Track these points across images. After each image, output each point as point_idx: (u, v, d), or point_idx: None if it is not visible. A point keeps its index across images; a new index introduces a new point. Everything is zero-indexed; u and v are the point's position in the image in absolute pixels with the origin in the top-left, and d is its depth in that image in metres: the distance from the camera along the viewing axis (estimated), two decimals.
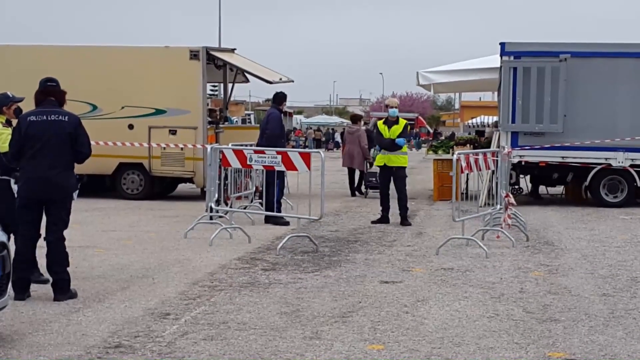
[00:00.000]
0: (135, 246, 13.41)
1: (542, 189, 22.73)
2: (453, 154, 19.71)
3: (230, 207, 15.87)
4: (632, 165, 20.45)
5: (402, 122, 16.59)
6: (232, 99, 25.17)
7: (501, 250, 13.24)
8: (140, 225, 16.19)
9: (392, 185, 16.47)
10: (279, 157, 13.17)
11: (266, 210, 16.05)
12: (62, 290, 9.43)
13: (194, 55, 20.91)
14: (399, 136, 16.26)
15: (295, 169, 13.12)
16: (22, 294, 9.34)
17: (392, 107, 16.50)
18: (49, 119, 9.38)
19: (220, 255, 12.59)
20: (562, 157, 20.60)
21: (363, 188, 23.27)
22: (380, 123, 16.60)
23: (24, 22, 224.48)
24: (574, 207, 20.13)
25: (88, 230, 15.00)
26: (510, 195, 14.29)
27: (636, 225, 16.95)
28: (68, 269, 9.55)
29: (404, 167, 16.29)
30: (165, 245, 13.57)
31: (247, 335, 7.86)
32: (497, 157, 14.74)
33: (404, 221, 16.28)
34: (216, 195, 15.23)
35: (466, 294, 9.89)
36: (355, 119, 25.18)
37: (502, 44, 20.60)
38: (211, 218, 15.43)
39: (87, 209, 18.05)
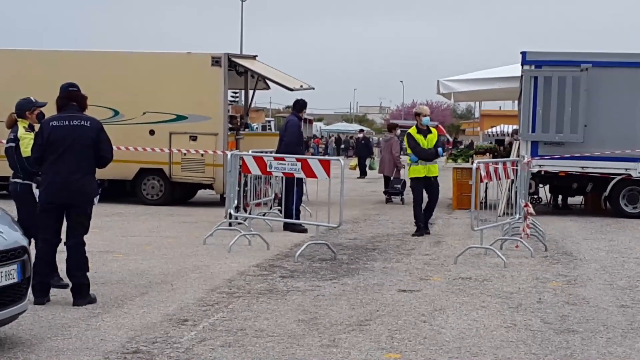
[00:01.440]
0: (154, 252, 13.44)
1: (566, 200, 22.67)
2: (472, 162, 19.66)
3: (250, 213, 15.84)
4: None
5: (435, 130, 16.49)
6: (252, 105, 25.16)
7: (519, 260, 13.18)
8: (159, 231, 16.22)
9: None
10: (299, 164, 13.16)
11: (285, 217, 16.04)
12: (82, 294, 9.46)
13: (216, 61, 20.95)
14: (435, 145, 16.13)
15: (315, 177, 13.11)
16: (41, 298, 9.38)
17: (425, 116, 16.27)
18: (72, 124, 9.42)
19: (239, 261, 12.58)
20: (582, 167, 20.49)
21: (388, 195, 23.64)
22: (414, 132, 16.29)
23: (49, 27, 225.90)
24: (593, 218, 20.02)
25: (108, 235, 15.03)
26: (530, 205, 14.20)
27: None
28: (87, 273, 9.57)
29: (437, 176, 16.22)
30: (184, 251, 13.58)
31: (264, 343, 7.85)
32: (516, 166, 14.66)
33: (426, 227, 16.18)
34: (235, 202, 15.18)
35: (484, 303, 9.84)
36: (390, 127, 25.91)
37: (524, 53, 20.53)
38: (230, 224, 15.43)
39: (107, 214, 18.11)
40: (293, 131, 17.24)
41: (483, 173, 13.02)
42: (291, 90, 22.08)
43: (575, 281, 11.50)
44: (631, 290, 10.89)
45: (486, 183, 15.20)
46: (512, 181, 15.91)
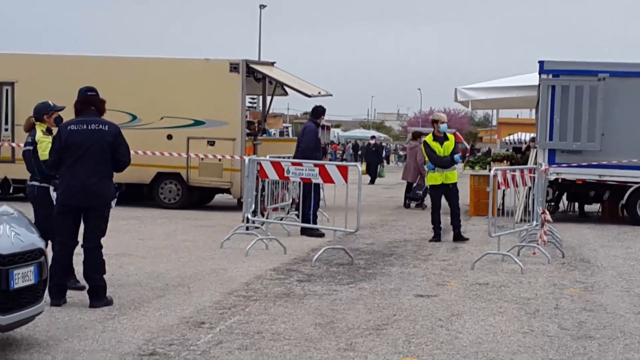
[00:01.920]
0: (171, 255, 13.44)
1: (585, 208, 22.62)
2: (489, 170, 19.59)
3: (267, 218, 15.83)
4: None
5: (452, 137, 16.43)
6: (270, 111, 25.18)
7: (537, 267, 13.12)
8: (176, 234, 16.24)
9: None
10: (317, 169, 13.16)
11: (302, 222, 16.02)
12: (98, 296, 9.45)
13: (234, 67, 21.00)
14: (452, 152, 16.07)
15: (332, 182, 13.09)
16: (58, 299, 9.38)
17: (442, 123, 16.24)
18: (89, 128, 9.43)
19: (256, 265, 12.57)
20: (599, 176, 20.42)
21: (407, 200, 23.79)
22: (430, 140, 16.25)
23: (49, 27, 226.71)
24: (610, 225, 19.93)
25: (124, 239, 15.04)
26: (547, 212, 14.13)
27: None
28: (104, 276, 9.55)
29: (456, 183, 16.14)
30: (201, 254, 13.58)
31: (281, 346, 7.81)
32: (534, 173, 14.59)
33: (461, 237, 16.07)
34: (253, 206, 15.17)
35: (501, 309, 9.79)
36: (415, 135, 26.20)
37: (541, 62, 20.48)
38: (247, 229, 15.41)
39: (124, 217, 18.14)
40: (310, 137, 17.23)
41: (500, 180, 12.97)
42: (309, 96, 22.09)
43: (592, 288, 11.43)
44: None
45: (503, 190, 15.08)
46: (530, 188, 15.82)
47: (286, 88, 23.24)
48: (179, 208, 21.23)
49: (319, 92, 22.69)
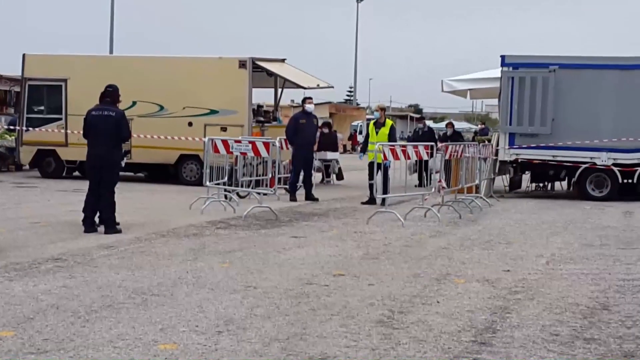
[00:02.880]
0: (149, 213, 17.38)
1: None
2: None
3: (241, 186, 19.65)
4: (615, 164, 23.24)
5: (389, 123, 20.20)
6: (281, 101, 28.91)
7: (422, 223, 16.72)
8: (166, 201, 20.31)
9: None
10: (250, 145, 17.10)
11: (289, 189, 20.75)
12: (109, 226, 13.93)
13: (242, 64, 24.97)
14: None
15: (260, 154, 17.05)
16: (89, 228, 13.96)
17: (375, 111, 20.10)
18: (104, 114, 14.07)
19: (198, 219, 16.45)
20: (553, 156, 23.63)
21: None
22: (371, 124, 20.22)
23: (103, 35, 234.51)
24: (561, 200, 23.19)
25: (126, 203, 18.71)
26: (443, 181, 17.70)
27: (586, 212, 19.99)
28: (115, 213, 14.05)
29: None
30: (168, 212, 17.57)
31: (154, 260, 11.72)
32: (430, 150, 18.09)
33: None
34: (225, 177, 19.13)
35: (339, 244, 13.43)
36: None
37: (503, 57, 23.82)
38: (225, 197, 19.31)
39: (143, 190, 22.61)
40: (289, 124, 21.26)
41: (387, 154, 16.62)
42: (305, 88, 25.92)
43: (438, 236, 15.02)
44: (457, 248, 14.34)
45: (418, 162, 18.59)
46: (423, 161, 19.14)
47: (295, 81, 26.81)
48: (198, 184, 24.74)
49: (318, 85, 26.46)
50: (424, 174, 26.15)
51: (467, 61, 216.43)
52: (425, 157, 18.28)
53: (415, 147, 17.65)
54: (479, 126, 42.73)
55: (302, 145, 21.05)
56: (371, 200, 19.66)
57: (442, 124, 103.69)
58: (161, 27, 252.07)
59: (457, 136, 28.73)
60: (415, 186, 25.82)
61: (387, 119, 20.34)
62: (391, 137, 19.87)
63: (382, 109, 20.55)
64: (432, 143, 19.25)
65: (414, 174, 26.99)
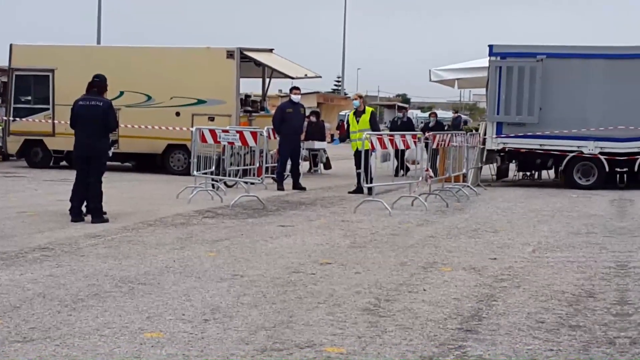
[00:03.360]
0: (136, 202, 17.40)
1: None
2: None
3: (229, 175, 19.67)
4: (601, 153, 23.32)
5: (369, 110, 20.20)
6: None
7: (409, 212, 16.76)
8: (155, 190, 20.32)
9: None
10: (237, 134, 17.10)
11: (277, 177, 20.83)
12: (97, 215, 13.93)
13: (230, 54, 24.96)
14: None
15: (247, 144, 17.08)
16: (76, 217, 13.91)
17: (354, 99, 20.11)
18: (90, 104, 14.08)
19: (185, 208, 16.45)
20: (540, 145, 23.71)
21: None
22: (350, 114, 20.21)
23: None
24: (549, 189, 23.31)
25: (114, 193, 18.72)
26: (430, 170, 17.74)
27: (572, 201, 20.03)
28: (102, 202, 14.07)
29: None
30: (155, 201, 17.58)
31: (143, 250, 11.73)
32: (418, 140, 18.12)
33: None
34: (212, 167, 19.15)
35: (327, 232, 13.48)
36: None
37: (491, 46, 23.86)
38: (213, 186, 19.31)
39: (130, 179, 22.51)
40: (275, 113, 21.37)
41: (375, 143, 16.65)
42: (292, 78, 25.97)
43: (424, 225, 15.08)
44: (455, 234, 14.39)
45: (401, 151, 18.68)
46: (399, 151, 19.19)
47: (283, 71, 26.80)
48: (186, 174, 24.59)
49: (305, 75, 26.48)
50: (398, 164, 26.21)
51: (459, 53, 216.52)
52: (412, 147, 18.28)
53: (403, 136, 17.61)
54: (453, 114, 42.17)
55: (288, 134, 21.09)
56: (358, 190, 19.66)
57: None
58: (150, 18, 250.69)
59: (439, 126, 28.72)
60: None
61: (366, 107, 20.33)
62: (372, 124, 19.95)
63: (360, 97, 20.62)
64: (414, 132, 19.20)
65: (385, 162, 26.99)
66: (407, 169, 26.59)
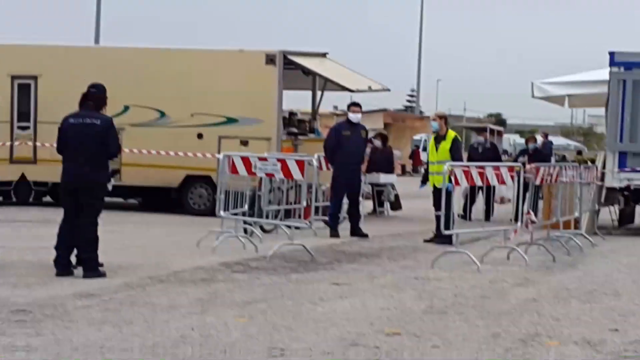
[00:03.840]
0: (143, 251, 17.49)
1: None
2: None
3: (266, 217, 19.64)
4: None
5: (451, 136, 20.08)
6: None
7: (504, 267, 16.60)
8: (168, 235, 20.35)
9: None
10: (279, 164, 17.09)
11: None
12: (90, 267, 13.79)
13: (270, 59, 25.01)
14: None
15: (292, 177, 17.08)
16: (63, 271, 13.81)
17: (433, 120, 20.04)
18: (84, 122, 13.88)
19: (209, 259, 16.38)
20: None
21: None
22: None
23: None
24: None
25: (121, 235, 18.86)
26: (532, 213, 17.56)
27: None
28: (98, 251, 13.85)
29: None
30: (168, 250, 17.60)
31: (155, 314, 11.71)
32: (515, 173, 17.91)
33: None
34: (245, 206, 19.15)
35: (396, 296, 13.43)
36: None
37: (612, 54, 23.63)
38: (245, 231, 19.28)
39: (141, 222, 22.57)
40: (329, 135, 21.42)
41: (460, 177, 16.53)
42: (352, 91, 26.01)
43: (524, 285, 14.94)
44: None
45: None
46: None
47: (340, 82, 26.75)
48: (209, 215, 23.68)
49: (369, 87, 26.42)
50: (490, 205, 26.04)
51: (572, 62, 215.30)
52: (509, 182, 18.10)
53: (497, 168, 17.45)
54: (540, 139, 40.49)
55: (345, 164, 20.96)
56: (439, 238, 19.48)
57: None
58: (163, 10, 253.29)
59: (541, 155, 28.30)
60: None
61: (449, 130, 20.20)
62: (454, 153, 19.77)
63: (441, 117, 20.43)
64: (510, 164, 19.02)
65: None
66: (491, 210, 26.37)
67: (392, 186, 28.12)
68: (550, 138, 52.35)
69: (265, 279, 14.56)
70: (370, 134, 24.81)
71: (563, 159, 35.24)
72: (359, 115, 21.67)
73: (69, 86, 21.52)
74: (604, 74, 24.73)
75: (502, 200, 19.63)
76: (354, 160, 21.42)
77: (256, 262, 16.22)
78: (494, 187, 22.12)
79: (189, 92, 25.48)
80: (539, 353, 9.74)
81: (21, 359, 8.92)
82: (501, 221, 21.57)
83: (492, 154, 27.67)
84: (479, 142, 29.24)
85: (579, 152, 56.34)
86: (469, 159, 27.10)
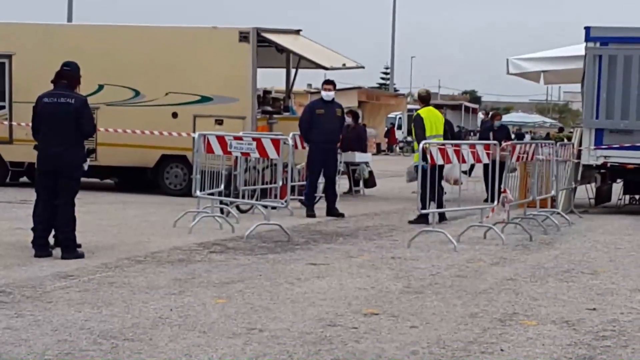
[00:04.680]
0: (120, 231, 17.60)
1: None
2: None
3: (242, 197, 19.71)
4: None
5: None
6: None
7: (480, 246, 16.74)
8: (145, 215, 20.41)
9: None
10: (254, 143, 17.15)
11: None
12: (68, 249, 13.88)
13: (244, 37, 25.02)
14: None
15: (267, 156, 17.13)
16: (41, 252, 13.89)
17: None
18: (59, 101, 13.90)
19: (185, 240, 16.49)
20: None
21: None
22: None
23: None
24: None
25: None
26: (508, 191, 17.69)
27: None
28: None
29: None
30: (146, 230, 17.65)
31: (130, 294, 11.77)
32: (490, 150, 18.10)
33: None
34: (221, 185, 19.21)
35: (371, 275, 13.52)
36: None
37: (587, 29, 23.71)
38: (222, 211, 19.36)
39: (113, 202, 22.75)
40: (303, 113, 21.49)
41: (435, 154, 16.64)
42: (326, 69, 26.00)
43: (501, 264, 15.05)
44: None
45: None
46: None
47: (314, 60, 26.76)
48: (186, 195, 23.88)
49: (343, 64, 26.48)
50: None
51: (548, 38, 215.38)
52: (485, 161, 18.23)
53: (472, 146, 17.57)
54: (483, 116, 40.09)
55: (319, 143, 21.04)
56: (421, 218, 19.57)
57: (508, 117, 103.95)
58: None
59: (505, 132, 28.13)
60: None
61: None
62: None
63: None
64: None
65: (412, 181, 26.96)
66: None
67: (367, 163, 28.13)
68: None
69: (243, 259, 14.61)
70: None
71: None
72: (332, 93, 21.71)
73: (44, 65, 21.57)
74: (579, 49, 24.80)
75: (456, 182, 19.61)
76: (329, 139, 21.44)
77: (233, 243, 16.28)
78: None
79: (163, 70, 25.44)
80: (517, 332, 9.85)
81: (2, 339, 8.93)
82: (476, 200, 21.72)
83: (506, 134, 27.68)
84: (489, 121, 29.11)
85: (561, 130, 56.43)
86: (481, 138, 27.13)
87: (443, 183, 20.59)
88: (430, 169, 17.07)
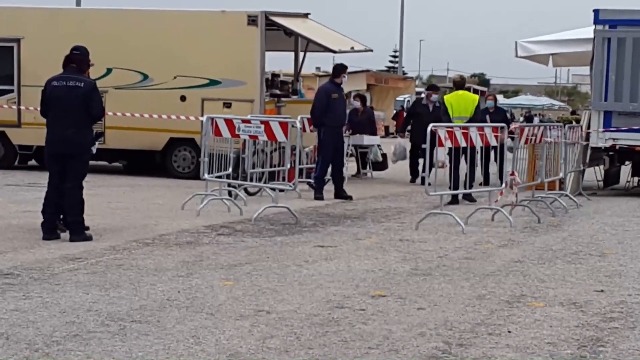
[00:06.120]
0: (129, 214, 17.58)
1: None
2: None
3: (250, 180, 19.71)
4: None
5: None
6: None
7: (488, 229, 16.73)
8: (153, 198, 20.42)
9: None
10: (262, 126, 17.13)
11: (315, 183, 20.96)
12: (76, 231, 13.93)
13: (252, 20, 24.99)
14: None
15: (275, 139, 17.10)
16: (49, 234, 13.93)
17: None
18: (68, 84, 13.93)
19: (193, 222, 16.51)
20: None
21: None
22: None
23: None
24: None
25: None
26: (516, 174, 17.66)
27: None
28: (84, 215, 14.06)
29: None
30: (154, 213, 17.67)
31: (138, 275, 11.78)
32: (498, 133, 18.07)
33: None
34: (229, 168, 19.22)
35: (379, 258, 13.51)
36: None
37: (596, 11, 23.64)
38: (230, 194, 19.37)
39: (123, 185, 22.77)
40: (318, 97, 21.35)
41: (443, 136, 16.62)
42: (335, 52, 25.98)
43: (509, 246, 15.06)
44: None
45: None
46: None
47: (322, 43, 26.74)
48: (194, 178, 24.00)
49: (352, 48, 26.44)
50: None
51: (556, 20, 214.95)
52: (494, 143, 18.22)
53: (481, 129, 17.54)
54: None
55: (333, 127, 21.01)
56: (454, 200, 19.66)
57: (517, 99, 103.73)
58: None
59: (501, 114, 27.97)
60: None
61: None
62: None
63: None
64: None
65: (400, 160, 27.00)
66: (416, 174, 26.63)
67: (379, 146, 28.09)
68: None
69: (250, 241, 14.62)
70: (351, 96, 24.80)
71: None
72: (346, 78, 21.74)
73: (52, 49, 21.53)
74: (588, 32, 24.73)
75: (442, 165, 19.53)
76: (342, 123, 21.56)
77: (241, 225, 16.28)
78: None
79: (172, 54, 25.44)
80: (524, 314, 9.85)
81: (10, 321, 8.94)
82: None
83: (502, 116, 27.62)
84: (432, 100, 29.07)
85: (573, 112, 56.59)
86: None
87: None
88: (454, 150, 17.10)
